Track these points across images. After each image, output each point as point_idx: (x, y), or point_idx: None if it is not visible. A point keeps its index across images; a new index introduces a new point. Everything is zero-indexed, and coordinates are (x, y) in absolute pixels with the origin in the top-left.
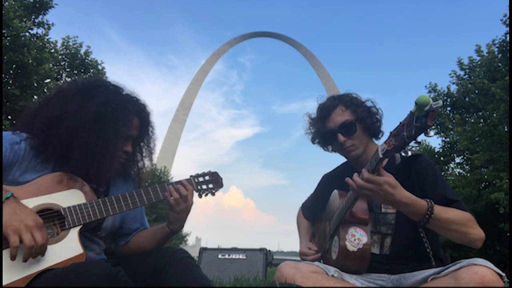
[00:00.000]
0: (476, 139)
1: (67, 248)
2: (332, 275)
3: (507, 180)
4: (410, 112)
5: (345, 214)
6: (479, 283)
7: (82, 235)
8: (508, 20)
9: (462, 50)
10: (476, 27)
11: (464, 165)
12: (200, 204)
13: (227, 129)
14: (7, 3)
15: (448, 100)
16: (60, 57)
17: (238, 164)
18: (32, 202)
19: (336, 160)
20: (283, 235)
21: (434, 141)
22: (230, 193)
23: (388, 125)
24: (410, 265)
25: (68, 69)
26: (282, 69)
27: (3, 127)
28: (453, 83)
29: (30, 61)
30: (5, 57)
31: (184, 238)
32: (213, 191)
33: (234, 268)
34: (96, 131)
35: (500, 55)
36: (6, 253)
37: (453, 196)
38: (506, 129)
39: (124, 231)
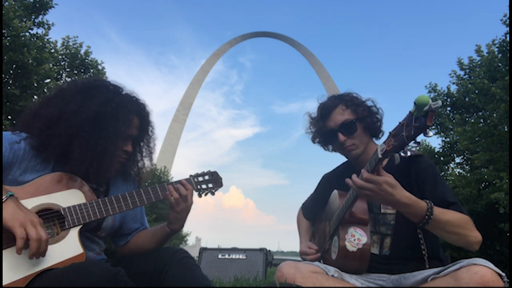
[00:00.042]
0: (476, 139)
1: (67, 248)
2: (332, 275)
3: (507, 180)
4: (409, 112)
5: (345, 214)
6: (479, 283)
7: (82, 235)
8: (508, 20)
9: (462, 50)
10: (476, 27)
11: (464, 165)
12: (200, 204)
13: (227, 129)
14: (7, 3)
15: (448, 100)
16: (60, 57)
17: (238, 164)
18: (32, 202)
19: (336, 160)
20: (283, 235)
21: (434, 141)
22: (230, 193)
23: (388, 125)
24: (410, 265)
25: (68, 69)
26: (282, 69)
27: (3, 127)
28: (453, 83)
29: (30, 61)
30: (5, 57)
31: (184, 238)
32: (213, 190)
33: (234, 268)
34: (96, 131)
35: (500, 55)
36: (6, 254)
37: (451, 199)
38: (506, 129)
39: (124, 231)
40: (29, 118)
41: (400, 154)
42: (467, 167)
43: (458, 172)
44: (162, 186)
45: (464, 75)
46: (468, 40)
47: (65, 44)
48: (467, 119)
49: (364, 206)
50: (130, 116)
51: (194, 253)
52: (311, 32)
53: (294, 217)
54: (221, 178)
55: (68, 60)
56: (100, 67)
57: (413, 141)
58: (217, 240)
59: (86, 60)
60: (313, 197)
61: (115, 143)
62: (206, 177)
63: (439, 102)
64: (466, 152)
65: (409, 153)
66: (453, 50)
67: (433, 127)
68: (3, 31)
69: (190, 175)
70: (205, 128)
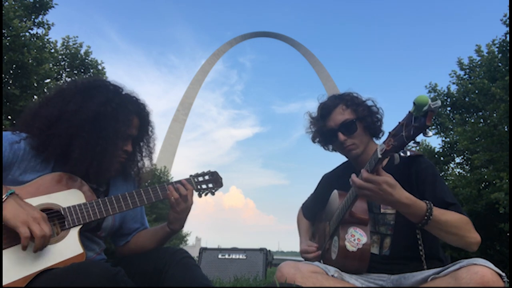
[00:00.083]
0: (476, 139)
1: (67, 248)
2: (332, 275)
3: (507, 180)
4: (409, 112)
5: (344, 214)
6: (479, 283)
7: (82, 235)
8: (508, 20)
9: (462, 50)
10: (476, 27)
11: (464, 165)
12: (200, 204)
13: (227, 129)
14: (7, 3)
15: (448, 100)
16: (60, 57)
17: (238, 164)
18: (32, 202)
19: (336, 160)
20: (283, 235)
21: (434, 141)
22: (230, 193)
23: (388, 125)
24: (410, 265)
25: (68, 69)
26: (282, 69)
27: (3, 127)
28: (453, 83)
29: (30, 61)
30: (5, 57)
31: (184, 238)
32: (213, 190)
33: (234, 268)
34: (96, 131)
35: (500, 55)
36: (6, 253)
37: (451, 200)
38: (506, 129)
39: (124, 231)
40: (29, 118)
41: (399, 154)
42: (467, 167)
43: (458, 172)
44: (162, 186)
45: (464, 75)
46: (468, 40)
47: (65, 44)
48: (467, 119)
49: (364, 206)
50: (130, 116)
51: (194, 253)
52: (311, 32)
53: (294, 217)
54: (221, 178)
55: (68, 60)
56: (100, 67)
57: (412, 141)
58: (217, 240)
59: (86, 60)
60: (313, 197)
61: (115, 143)
62: (206, 177)
63: (439, 102)
64: (466, 152)
65: (408, 153)
66: (453, 50)
67: (433, 127)
68: (3, 31)
69: (190, 175)
70: (205, 128)
